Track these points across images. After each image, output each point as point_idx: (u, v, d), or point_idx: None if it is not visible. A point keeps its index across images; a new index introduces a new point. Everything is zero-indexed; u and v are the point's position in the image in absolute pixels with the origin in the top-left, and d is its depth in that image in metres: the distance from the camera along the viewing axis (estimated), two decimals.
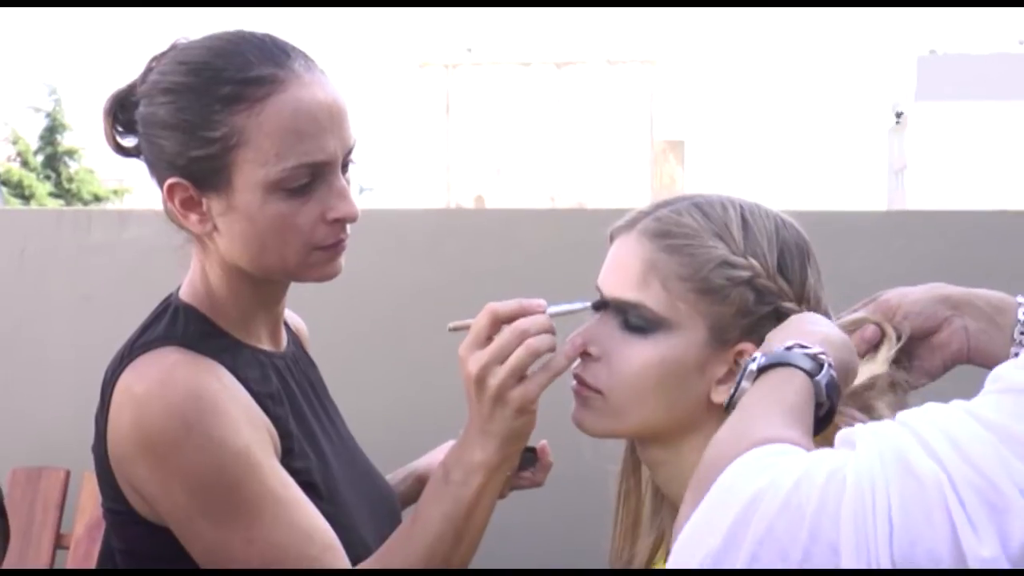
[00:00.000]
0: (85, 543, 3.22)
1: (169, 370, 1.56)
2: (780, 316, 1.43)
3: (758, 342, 1.38)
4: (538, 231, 3.60)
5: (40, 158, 30.14)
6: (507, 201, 38.16)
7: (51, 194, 29.15)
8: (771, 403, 1.16)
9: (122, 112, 1.66)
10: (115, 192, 30.13)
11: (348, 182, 1.62)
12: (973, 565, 0.86)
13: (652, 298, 1.46)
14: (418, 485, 1.89)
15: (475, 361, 1.49)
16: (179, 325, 1.63)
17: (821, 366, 1.21)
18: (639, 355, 1.46)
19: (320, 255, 1.61)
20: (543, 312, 1.51)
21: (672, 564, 1.03)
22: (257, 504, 1.53)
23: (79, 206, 26.52)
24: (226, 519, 1.54)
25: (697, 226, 1.47)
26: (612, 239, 1.54)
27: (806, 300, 1.47)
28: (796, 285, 1.47)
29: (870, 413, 1.39)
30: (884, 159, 49.20)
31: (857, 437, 0.99)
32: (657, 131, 42.68)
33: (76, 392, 2.86)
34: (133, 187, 29.61)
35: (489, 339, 1.50)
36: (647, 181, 40.20)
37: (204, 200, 1.60)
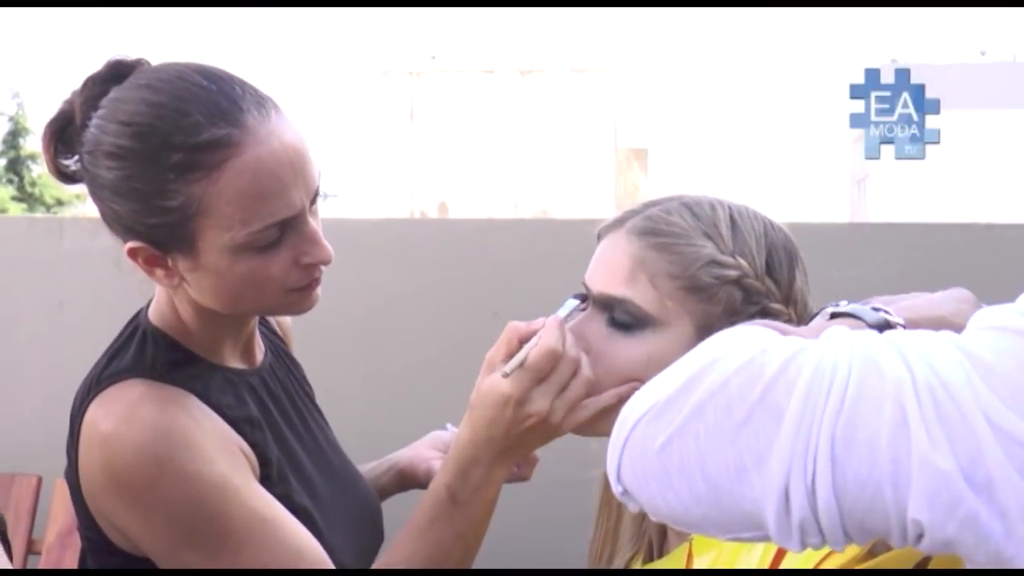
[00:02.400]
0: (57, 549, 3.23)
1: (135, 406, 1.51)
2: (767, 316, 1.42)
3: None
4: (505, 240, 3.61)
5: (2, 162, 29.97)
6: (471, 209, 38.12)
7: (13, 198, 28.98)
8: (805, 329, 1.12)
9: (63, 144, 1.59)
10: (78, 196, 29.87)
11: (316, 213, 1.56)
12: (920, 467, 0.87)
13: (640, 295, 1.44)
14: (400, 479, 1.89)
15: (543, 399, 1.45)
16: (148, 353, 1.58)
17: (888, 326, 1.14)
18: (625, 353, 1.45)
19: (296, 295, 1.57)
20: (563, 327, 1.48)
21: (622, 412, 1.01)
22: (244, 528, 1.50)
23: (42, 210, 26.38)
24: (213, 548, 1.50)
25: (686, 225, 1.46)
26: (600, 238, 1.52)
27: (793, 301, 1.47)
28: (784, 286, 1.47)
29: None
30: (846, 169, 49.47)
31: (835, 332, 0.99)
32: (621, 139, 42.77)
33: (48, 398, 2.87)
34: None
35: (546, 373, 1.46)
36: (611, 189, 40.28)
37: (169, 259, 1.53)
